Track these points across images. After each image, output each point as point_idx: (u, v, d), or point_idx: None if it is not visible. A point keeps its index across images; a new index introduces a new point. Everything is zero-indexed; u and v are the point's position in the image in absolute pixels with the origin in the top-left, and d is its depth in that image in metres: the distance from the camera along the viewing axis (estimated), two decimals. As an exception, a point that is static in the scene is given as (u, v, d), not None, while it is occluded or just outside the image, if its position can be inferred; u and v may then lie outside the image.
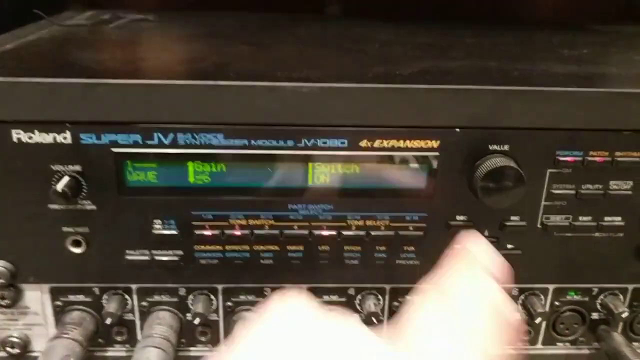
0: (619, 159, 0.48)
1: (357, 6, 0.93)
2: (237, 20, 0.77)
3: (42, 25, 0.66)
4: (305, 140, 0.47)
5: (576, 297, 0.54)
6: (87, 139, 0.45)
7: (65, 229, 0.48)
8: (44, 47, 0.57)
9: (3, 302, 0.51)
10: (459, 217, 0.50)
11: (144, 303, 0.52)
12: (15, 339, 0.52)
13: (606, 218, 0.51)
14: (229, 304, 0.52)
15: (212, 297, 0.52)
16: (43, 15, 0.66)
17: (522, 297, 0.54)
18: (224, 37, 0.66)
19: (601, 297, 0.55)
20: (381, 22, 0.78)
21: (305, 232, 0.50)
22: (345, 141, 0.47)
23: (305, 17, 0.82)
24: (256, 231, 0.49)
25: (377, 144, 0.47)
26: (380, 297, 0.53)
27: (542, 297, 0.54)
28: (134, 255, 0.50)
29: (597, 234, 0.51)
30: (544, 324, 0.55)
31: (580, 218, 0.50)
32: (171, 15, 0.79)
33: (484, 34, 0.72)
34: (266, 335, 0.34)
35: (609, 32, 0.78)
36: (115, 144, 0.46)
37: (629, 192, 0.49)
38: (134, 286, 0.52)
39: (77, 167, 0.46)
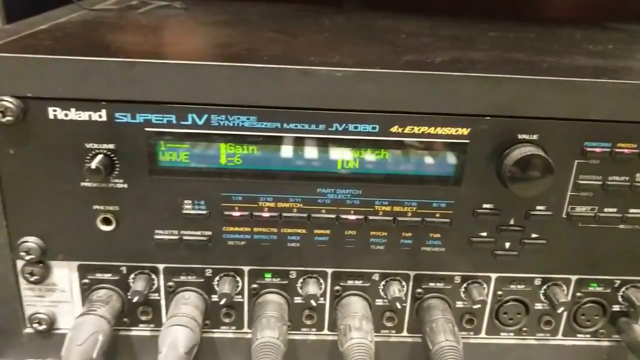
0: (646, 151, 0.49)
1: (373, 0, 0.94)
2: (260, 10, 0.78)
3: (71, 9, 0.67)
4: (337, 125, 0.47)
5: (598, 289, 0.55)
6: (122, 117, 0.46)
7: (96, 206, 0.49)
8: (76, 29, 0.58)
9: (32, 278, 0.51)
10: (486, 206, 0.50)
11: (170, 283, 0.53)
12: (42, 315, 0.53)
13: (631, 210, 0.51)
14: (255, 286, 0.53)
15: (237, 278, 0.53)
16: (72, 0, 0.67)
17: (544, 287, 0.54)
18: (251, 25, 0.67)
19: (623, 289, 0.55)
20: (401, 15, 0.79)
21: (333, 216, 0.50)
22: (377, 126, 0.47)
23: (325, 10, 0.83)
24: (284, 214, 0.50)
25: (407, 130, 0.47)
26: (404, 283, 0.53)
27: (564, 287, 0.54)
28: (163, 235, 0.50)
29: (622, 226, 0.51)
30: (564, 315, 0.56)
31: (606, 209, 0.51)
32: (195, 2, 0.79)
33: (507, 28, 0.73)
34: None
35: (628, 30, 0.78)
36: (149, 123, 0.46)
37: (655, 185, 0.50)
38: (161, 266, 0.52)
39: (111, 146, 0.47)
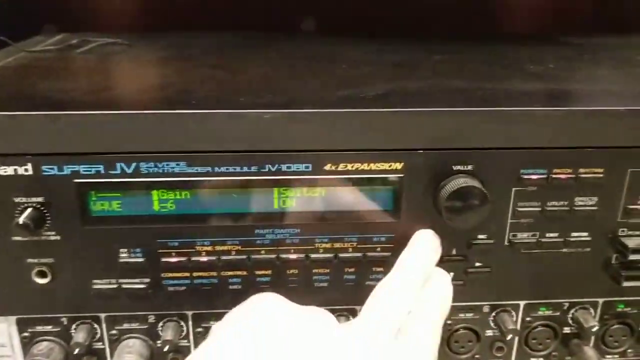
0: (582, 175, 0.49)
1: (332, 22, 0.94)
2: (208, 41, 0.77)
3: (10, 51, 0.66)
4: (270, 166, 0.47)
5: (547, 312, 0.55)
6: (49, 170, 0.45)
7: (30, 260, 0.48)
8: (7, 77, 0.57)
9: (-30, 336, 0.50)
10: (427, 237, 0.50)
11: (113, 332, 0.52)
12: (-17, 372, 0.52)
13: (573, 234, 0.51)
14: (199, 329, 0.52)
15: (182, 323, 0.52)
16: (9, 42, 0.66)
17: (493, 314, 0.54)
18: (191, 61, 0.66)
19: (572, 311, 0.55)
20: (354, 39, 0.79)
21: (273, 256, 0.49)
22: (310, 165, 0.47)
23: (277, 36, 0.83)
24: (223, 257, 0.49)
25: (341, 167, 0.47)
26: (351, 318, 0.53)
27: (513, 313, 0.54)
28: (101, 284, 0.49)
29: (564, 250, 0.51)
30: (516, 340, 0.56)
31: (547, 234, 0.51)
32: (143, 36, 0.79)
33: (453, 49, 0.73)
34: (244, 327, 0.41)
35: (577, 44, 0.79)
36: (78, 174, 0.45)
37: (594, 208, 0.50)
38: (102, 315, 0.51)
39: (40, 199, 0.46)
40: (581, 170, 0.49)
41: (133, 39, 0.75)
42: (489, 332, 0.55)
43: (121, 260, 0.49)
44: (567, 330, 0.56)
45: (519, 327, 0.54)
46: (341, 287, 0.51)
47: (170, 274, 0.49)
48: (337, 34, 0.84)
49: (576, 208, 0.50)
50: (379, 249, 0.50)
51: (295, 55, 0.72)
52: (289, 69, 0.64)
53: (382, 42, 0.78)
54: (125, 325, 0.52)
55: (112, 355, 0.52)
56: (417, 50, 0.74)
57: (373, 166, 0.47)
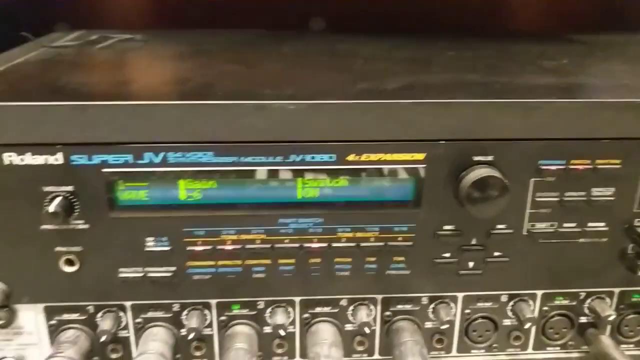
0: (599, 166, 0.49)
1: (341, 21, 0.95)
2: (222, 38, 0.78)
3: (30, 47, 0.67)
4: (294, 156, 0.47)
5: (564, 302, 0.56)
6: (78, 159, 0.46)
7: (58, 248, 0.49)
8: (33, 70, 0.58)
9: (-2, 323, 0.51)
10: (447, 227, 0.51)
11: (138, 320, 0.53)
12: (10, 359, 0.53)
13: (590, 224, 0.52)
14: (223, 318, 0.53)
15: (205, 311, 0.53)
16: (31, 38, 0.67)
17: (511, 303, 0.55)
18: (209, 56, 0.67)
19: (588, 301, 0.56)
20: (364, 37, 0.80)
21: (297, 245, 0.50)
22: (334, 156, 0.48)
23: (289, 34, 0.83)
24: (247, 246, 0.50)
25: (364, 158, 0.48)
26: (372, 307, 0.54)
27: (530, 302, 0.55)
28: (128, 273, 0.50)
29: (581, 240, 0.52)
30: (533, 329, 0.56)
31: (565, 224, 0.52)
32: (157, 34, 0.79)
33: (465, 46, 0.74)
34: None
35: (586, 42, 0.80)
36: (106, 164, 0.46)
37: (611, 198, 0.51)
38: (128, 303, 0.52)
39: (69, 188, 0.47)
40: (598, 161, 0.49)
41: (146, 35, 0.75)
42: (507, 322, 0.56)
43: (147, 248, 0.49)
44: (583, 319, 0.56)
45: (536, 316, 0.55)
46: (362, 276, 0.52)
47: (195, 263, 0.50)
48: (346, 32, 0.85)
49: (593, 198, 0.51)
50: (400, 239, 0.51)
51: (310, 52, 0.73)
52: (305, 64, 0.65)
53: (393, 40, 0.79)
54: (150, 314, 0.52)
55: (137, 343, 0.53)
56: (429, 47, 0.74)
57: (395, 157, 0.48)
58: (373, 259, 0.52)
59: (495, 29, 0.98)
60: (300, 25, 0.94)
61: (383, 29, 0.93)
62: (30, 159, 0.46)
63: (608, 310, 0.55)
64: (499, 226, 0.51)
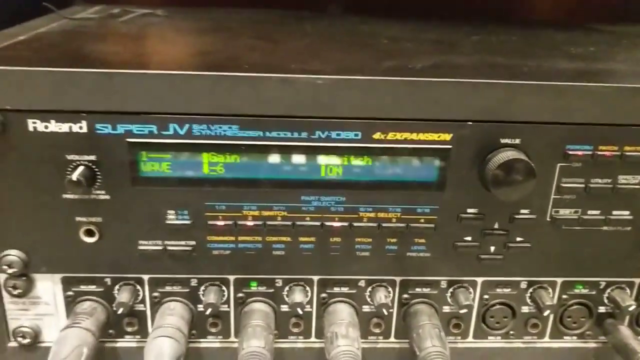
0: (627, 153, 0.49)
1: (358, 4, 0.94)
2: (243, 17, 0.78)
3: (52, 18, 0.66)
4: (319, 132, 0.47)
5: (584, 291, 0.55)
6: (103, 128, 0.46)
7: (78, 218, 0.49)
8: (56, 39, 0.57)
9: (15, 292, 0.51)
10: (470, 210, 0.50)
11: (155, 294, 0.52)
12: (26, 329, 0.53)
13: (614, 212, 0.51)
14: (240, 295, 0.53)
15: (223, 287, 0.53)
16: (53, 9, 0.67)
17: (530, 290, 0.54)
18: (232, 32, 0.67)
19: (608, 290, 0.55)
20: (384, 20, 0.79)
21: (317, 223, 0.50)
22: (359, 133, 0.47)
23: (308, 15, 0.83)
24: (268, 222, 0.50)
25: (390, 136, 0.47)
26: (390, 289, 0.53)
27: (550, 290, 0.55)
28: (147, 245, 0.50)
29: (605, 228, 0.52)
30: (551, 317, 0.56)
31: (589, 212, 0.51)
32: (178, 10, 0.79)
33: (488, 32, 0.73)
34: None
35: (610, 31, 0.79)
36: (130, 134, 0.46)
37: (637, 187, 0.50)
38: (145, 277, 0.52)
39: (92, 157, 0.47)
40: (626, 147, 0.49)
41: (168, 11, 0.75)
42: (525, 309, 0.55)
43: (168, 221, 0.49)
44: (602, 309, 0.56)
45: (555, 304, 0.55)
46: (382, 257, 0.52)
47: (215, 237, 0.50)
48: (364, 16, 0.84)
49: (619, 186, 0.50)
50: (422, 220, 0.50)
51: (332, 32, 0.72)
52: (329, 42, 0.65)
53: (416, 23, 0.78)
54: (168, 288, 0.52)
55: (153, 317, 0.53)
56: (452, 31, 0.74)
57: (422, 136, 0.47)
58: (394, 240, 0.51)
59: (520, 16, 0.98)
60: (318, 9, 0.94)
61: (404, 14, 0.93)
62: (54, 126, 0.45)
63: (628, 301, 0.54)
64: (523, 211, 0.51)
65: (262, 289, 0.53)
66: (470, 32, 0.71)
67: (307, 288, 0.53)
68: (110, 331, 0.54)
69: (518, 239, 0.52)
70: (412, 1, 0.95)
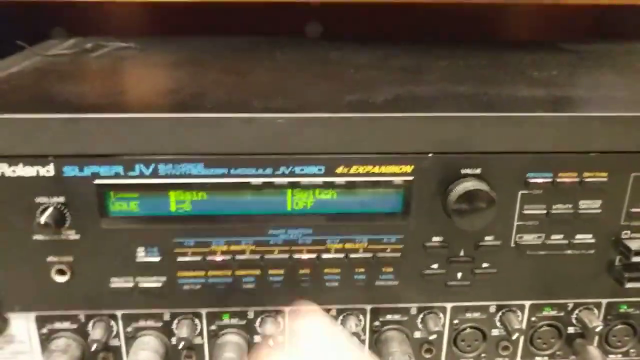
0: (587, 179, 0.50)
1: (336, 27, 0.95)
2: (217, 45, 0.79)
3: (26, 55, 0.67)
4: (283, 168, 0.48)
5: (552, 313, 0.56)
6: (70, 171, 0.47)
7: (49, 259, 0.49)
8: (27, 80, 0.58)
9: (-11, 332, 0.52)
10: (435, 239, 0.51)
11: (129, 329, 0.53)
12: (2, 368, 0.53)
13: (577, 236, 0.52)
14: (213, 327, 0.54)
15: (196, 321, 0.53)
16: (25, 46, 0.67)
17: (499, 313, 0.55)
18: (202, 65, 0.68)
19: (576, 311, 0.56)
20: (358, 45, 0.80)
21: (286, 256, 0.51)
22: (322, 168, 0.48)
23: (284, 41, 0.84)
24: (237, 257, 0.50)
25: (353, 170, 0.48)
26: (361, 317, 0.54)
27: (519, 313, 0.55)
28: (119, 283, 0.51)
29: (569, 252, 0.53)
30: (521, 340, 0.57)
31: (553, 237, 0.52)
32: (153, 41, 0.80)
33: (457, 55, 0.74)
34: None
35: (577, 51, 0.80)
36: (98, 175, 0.47)
37: (598, 211, 0.51)
38: (119, 312, 0.52)
39: (61, 199, 0.47)
40: (586, 174, 0.50)
41: (142, 43, 0.76)
42: (495, 332, 0.56)
43: (138, 259, 0.50)
44: (571, 330, 0.57)
45: (524, 326, 0.56)
46: (351, 287, 0.52)
47: (185, 273, 0.51)
48: (341, 40, 0.85)
49: (581, 211, 0.51)
50: (388, 250, 0.51)
51: (303, 60, 0.73)
52: (297, 73, 0.66)
53: (387, 48, 0.79)
54: (141, 323, 0.53)
55: (127, 351, 0.53)
56: (422, 56, 0.75)
57: (384, 169, 0.48)
58: (362, 269, 0.52)
59: (492, 37, 0.99)
60: (296, 31, 0.95)
61: (378, 36, 0.94)
62: (21, 170, 0.46)
63: (596, 321, 0.55)
64: (487, 238, 0.52)
65: (234, 321, 0.53)
66: (440, 56, 0.73)
67: (279, 319, 0.54)
68: (86, 366, 0.54)
69: (484, 265, 0.53)
70: (389, 23, 0.97)
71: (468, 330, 0.56)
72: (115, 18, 0.94)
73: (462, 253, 0.52)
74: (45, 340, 0.53)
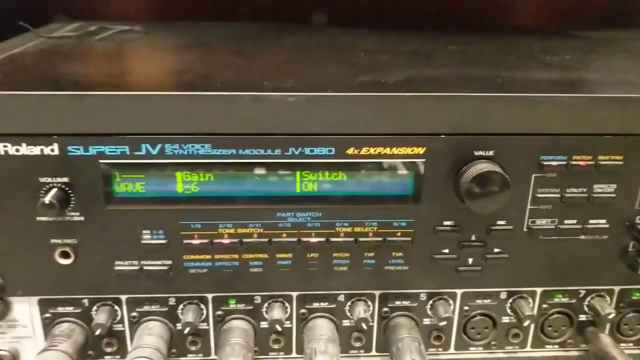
0: (601, 162, 0.49)
1: (342, 14, 0.94)
2: (223, 30, 0.78)
3: (28, 37, 0.66)
4: (293, 149, 0.47)
5: (563, 300, 0.55)
6: (75, 150, 0.46)
7: (53, 240, 0.48)
8: (30, 60, 0.57)
9: (-9, 316, 0.51)
10: (446, 223, 0.50)
11: (133, 314, 0.52)
12: (4, 352, 0.52)
13: (591, 221, 0.51)
14: (219, 313, 0.53)
15: (202, 306, 0.52)
16: (29, 28, 0.66)
17: (510, 300, 0.54)
18: (209, 48, 0.67)
19: (588, 299, 0.55)
20: (366, 30, 0.79)
21: (294, 239, 0.50)
22: (333, 149, 0.47)
23: (290, 27, 0.83)
24: (245, 240, 0.49)
25: (363, 151, 0.47)
26: (369, 303, 0.53)
27: (530, 300, 0.55)
28: (123, 266, 0.50)
29: (582, 237, 0.52)
30: (532, 327, 0.56)
31: (566, 221, 0.51)
32: (157, 25, 0.79)
33: (466, 41, 0.73)
34: None
35: (588, 38, 0.79)
36: (103, 155, 0.46)
37: (613, 195, 0.50)
38: (123, 297, 0.51)
39: (65, 179, 0.46)
40: (600, 157, 0.49)
41: (148, 27, 0.75)
42: (506, 319, 0.55)
43: (143, 241, 0.49)
44: (582, 317, 0.56)
45: (535, 313, 0.55)
46: (360, 272, 0.52)
47: (192, 257, 0.50)
48: (348, 26, 0.84)
49: (595, 195, 0.50)
50: (399, 234, 0.50)
51: (311, 45, 0.72)
52: (306, 56, 0.65)
53: (395, 34, 0.78)
54: (146, 308, 0.52)
55: (132, 337, 0.52)
56: (431, 41, 0.74)
57: (395, 151, 0.47)
58: (371, 254, 0.51)
59: (499, 24, 0.98)
60: (302, 19, 0.94)
61: (385, 24, 0.93)
62: (25, 149, 0.45)
63: (608, 309, 0.54)
64: (499, 222, 0.51)
65: (241, 306, 0.53)
66: (449, 41, 0.72)
67: (286, 304, 0.53)
68: (90, 352, 0.53)
69: (496, 250, 0.52)
70: (396, 10, 0.95)
71: (478, 317, 0.55)
72: (120, 4, 0.93)
73: (473, 237, 0.51)
74: (48, 325, 0.52)
